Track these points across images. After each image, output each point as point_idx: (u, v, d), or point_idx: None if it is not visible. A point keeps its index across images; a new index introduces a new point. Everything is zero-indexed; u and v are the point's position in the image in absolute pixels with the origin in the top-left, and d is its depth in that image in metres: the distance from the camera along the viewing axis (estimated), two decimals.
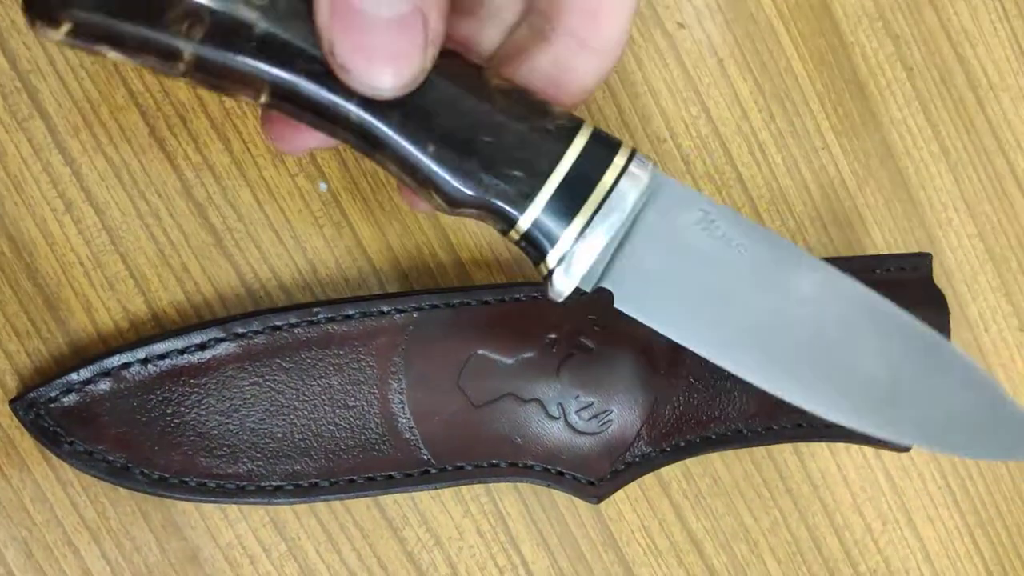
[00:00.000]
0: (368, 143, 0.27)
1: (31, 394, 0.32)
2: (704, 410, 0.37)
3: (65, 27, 0.25)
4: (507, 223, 0.28)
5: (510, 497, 0.39)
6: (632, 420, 0.36)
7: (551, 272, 0.28)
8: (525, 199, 0.27)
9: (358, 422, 0.34)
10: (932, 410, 0.28)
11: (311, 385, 0.34)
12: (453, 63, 0.28)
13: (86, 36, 0.26)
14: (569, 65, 0.29)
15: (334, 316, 0.34)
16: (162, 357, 0.33)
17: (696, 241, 0.28)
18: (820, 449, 0.43)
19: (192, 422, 0.33)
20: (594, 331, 0.36)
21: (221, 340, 0.33)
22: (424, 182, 0.28)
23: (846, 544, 0.43)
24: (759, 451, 0.42)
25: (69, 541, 0.34)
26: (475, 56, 0.31)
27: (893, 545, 0.44)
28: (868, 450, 0.43)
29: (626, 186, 0.27)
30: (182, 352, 0.33)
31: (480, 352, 0.35)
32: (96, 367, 0.32)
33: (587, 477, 0.36)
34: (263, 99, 0.27)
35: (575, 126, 0.28)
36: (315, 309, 0.34)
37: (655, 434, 0.36)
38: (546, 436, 0.36)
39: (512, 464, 0.36)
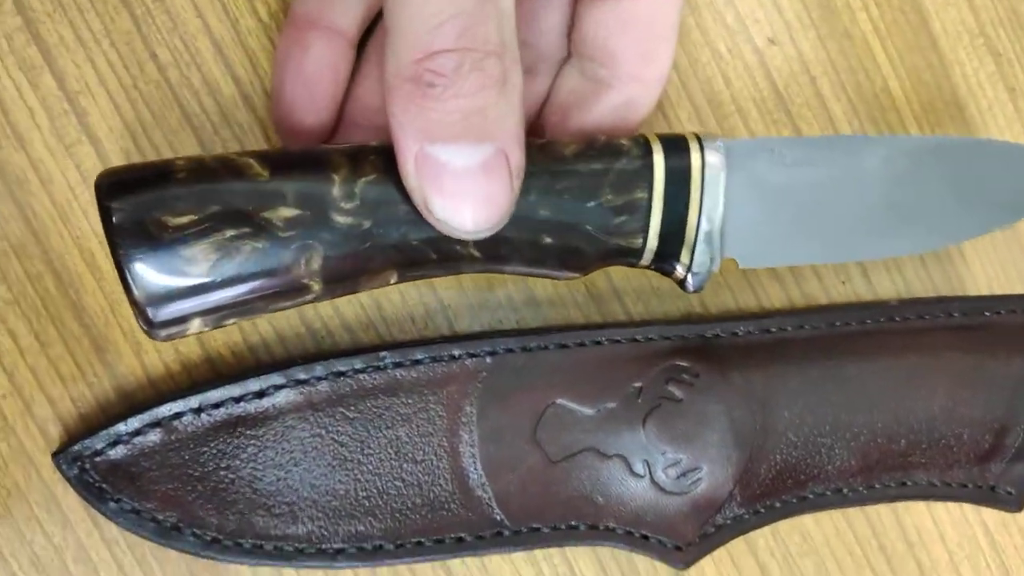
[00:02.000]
0: (494, 265, 0.30)
1: (75, 447, 0.30)
2: (802, 468, 0.34)
3: (196, 323, 0.27)
4: (632, 262, 0.31)
5: (585, 558, 0.36)
6: (724, 479, 0.33)
7: (683, 280, 0.31)
8: (641, 236, 0.30)
9: (426, 478, 0.32)
10: (995, 196, 0.34)
11: (377, 437, 0.32)
12: (529, 154, 0.28)
13: (215, 320, 0.27)
14: (633, 102, 0.32)
15: (402, 361, 0.32)
16: (217, 406, 0.31)
17: (776, 177, 0.31)
18: (916, 502, 0.39)
19: (248, 477, 0.31)
20: (683, 379, 0.33)
21: (281, 387, 0.31)
22: (552, 267, 0.30)
23: None
24: None
25: None
26: (528, 105, 0.33)
27: None
28: (966, 504, 0.40)
29: (711, 175, 0.30)
30: (238, 400, 0.31)
31: (558, 402, 0.32)
32: (145, 417, 0.30)
33: (674, 541, 0.33)
34: (393, 280, 0.29)
35: (646, 150, 0.30)
36: (382, 353, 0.32)
37: (748, 494, 0.33)
38: (630, 496, 0.33)
39: (592, 527, 0.33)
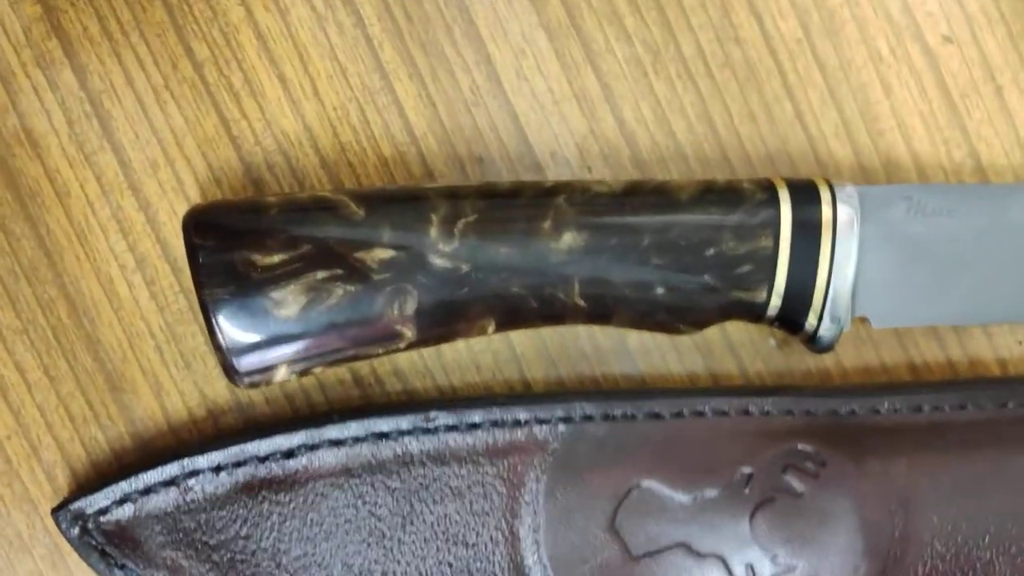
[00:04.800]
0: (599, 317, 0.29)
1: (77, 503, 0.28)
2: None
3: (282, 371, 0.27)
4: (756, 317, 0.30)
5: None
6: None
7: (811, 339, 0.30)
8: (765, 290, 0.29)
9: (478, 564, 0.29)
10: None
11: (422, 513, 0.29)
12: (640, 195, 0.29)
13: (302, 367, 0.27)
14: None
15: (456, 424, 0.29)
16: (238, 465, 0.29)
17: (913, 228, 0.31)
18: None
19: (270, 550, 0.29)
20: (805, 468, 0.30)
21: (313, 447, 0.29)
22: (664, 322, 0.29)
23: None
24: None
25: None
26: None
27: None
28: None
29: (843, 227, 0.29)
30: (263, 460, 0.29)
31: (645, 484, 0.29)
32: (158, 473, 0.29)
33: None
34: (491, 331, 0.28)
35: (771, 194, 0.29)
36: (433, 413, 0.30)
37: None
38: None
39: None
